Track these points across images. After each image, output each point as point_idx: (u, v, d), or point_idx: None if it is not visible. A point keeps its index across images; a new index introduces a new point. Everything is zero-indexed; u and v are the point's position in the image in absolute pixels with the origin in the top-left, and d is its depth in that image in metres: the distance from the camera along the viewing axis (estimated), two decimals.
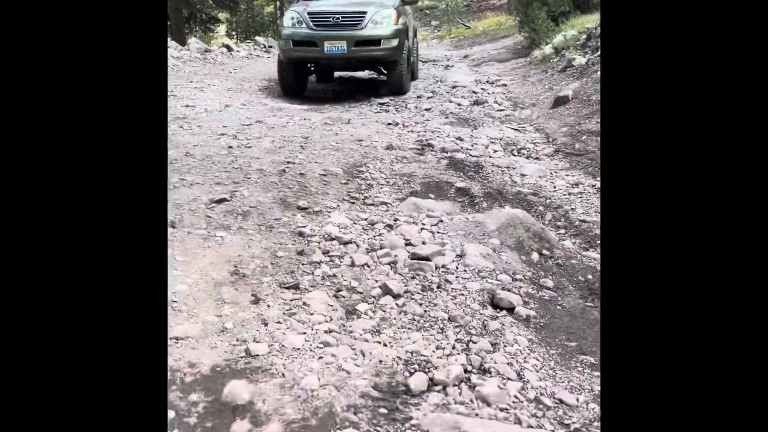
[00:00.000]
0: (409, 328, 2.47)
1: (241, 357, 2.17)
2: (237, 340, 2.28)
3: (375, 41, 7.66)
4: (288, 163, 4.47)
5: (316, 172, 4.32)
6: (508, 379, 2.16)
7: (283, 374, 2.07)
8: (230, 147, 4.87)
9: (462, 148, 5.41)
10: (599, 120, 5.99)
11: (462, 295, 2.76)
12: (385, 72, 8.45)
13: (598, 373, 2.23)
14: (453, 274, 2.94)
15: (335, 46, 7.51)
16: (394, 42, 7.74)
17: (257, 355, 2.18)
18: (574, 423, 1.97)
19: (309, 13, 7.72)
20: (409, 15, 8.98)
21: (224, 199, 3.60)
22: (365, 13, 7.71)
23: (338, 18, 7.65)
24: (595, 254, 3.36)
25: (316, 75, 9.36)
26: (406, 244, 3.22)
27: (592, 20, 10.88)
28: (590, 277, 3.11)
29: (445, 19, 26.55)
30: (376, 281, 2.84)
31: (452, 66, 12.40)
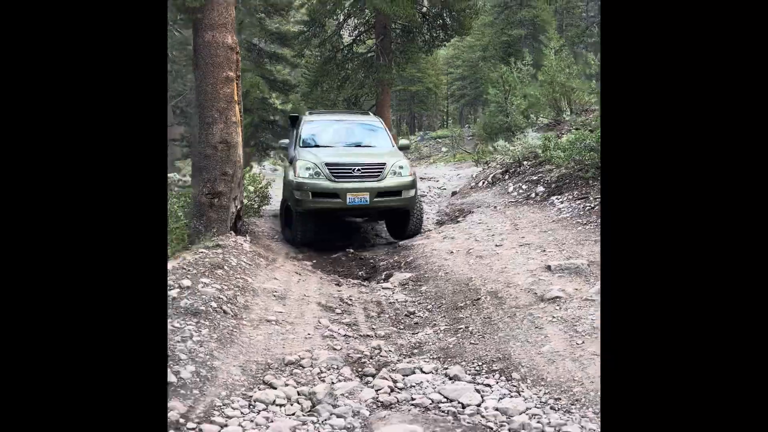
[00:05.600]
0: None
1: None
2: None
3: (396, 192, 7.71)
4: None
5: None
6: None
7: None
8: None
9: None
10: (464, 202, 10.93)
11: None
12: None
13: None
14: None
15: (358, 198, 7.49)
16: (412, 192, 7.89)
17: None
18: None
19: (327, 164, 7.59)
20: None
21: None
22: (384, 164, 7.75)
23: (359, 169, 7.63)
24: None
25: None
26: None
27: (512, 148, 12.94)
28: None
29: (452, 145, 29.74)
30: None
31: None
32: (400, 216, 8.26)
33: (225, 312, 4.48)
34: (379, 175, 7.63)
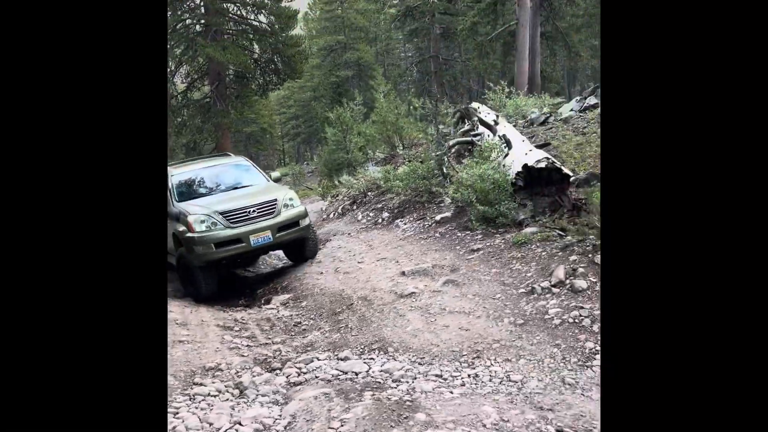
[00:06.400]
0: None
1: None
2: None
3: (294, 223, 8.03)
4: None
5: None
6: None
7: None
8: None
9: None
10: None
11: None
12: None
13: None
14: None
15: (261, 238, 7.67)
16: (307, 219, 8.34)
17: None
18: None
19: (221, 213, 7.63)
20: None
21: None
22: (276, 199, 7.95)
23: (254, 210, 7.76)
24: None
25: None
26: None
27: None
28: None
29: (294, 182, 31.03)
30: None
31: None
32: (297, 243, 8.54)
33: None
34: (274, 211, 7.86)
